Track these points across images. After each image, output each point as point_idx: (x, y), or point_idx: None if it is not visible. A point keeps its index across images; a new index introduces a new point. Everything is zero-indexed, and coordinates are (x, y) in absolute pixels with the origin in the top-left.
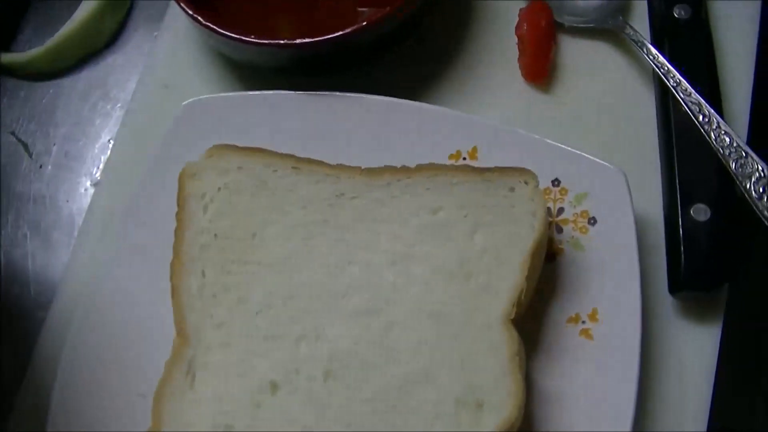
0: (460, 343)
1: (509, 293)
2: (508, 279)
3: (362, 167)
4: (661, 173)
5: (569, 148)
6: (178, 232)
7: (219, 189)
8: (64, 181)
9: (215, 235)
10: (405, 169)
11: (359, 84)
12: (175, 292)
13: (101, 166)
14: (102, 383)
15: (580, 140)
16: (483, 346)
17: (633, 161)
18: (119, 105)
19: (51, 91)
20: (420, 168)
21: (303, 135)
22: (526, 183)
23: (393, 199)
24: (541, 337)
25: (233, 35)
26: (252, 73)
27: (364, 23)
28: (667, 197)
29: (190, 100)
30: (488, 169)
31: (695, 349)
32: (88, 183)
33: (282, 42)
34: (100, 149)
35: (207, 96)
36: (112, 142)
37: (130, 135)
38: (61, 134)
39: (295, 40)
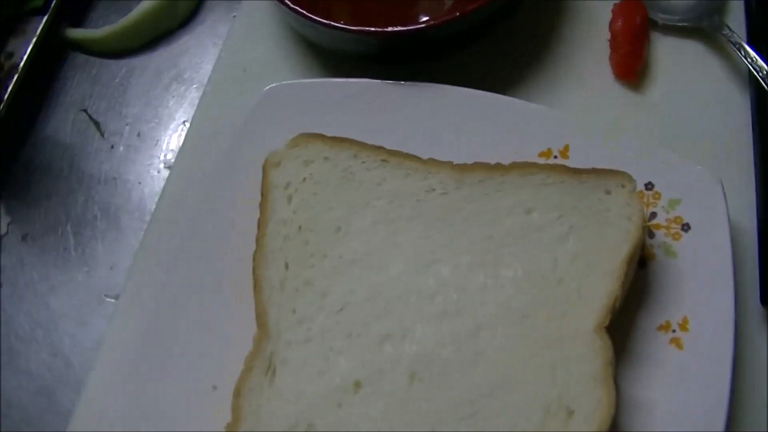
0: (551, 349)
1: (602, 300)
2: (601, 285)
3: (453, 162)
4: (756, 180)
5: (664, 151)
6: (261, 223)
7: (304, 179)
8: (136, 163)
9: (299, 227)
10: (498, 167)
11: (446, 75)
12: (256, 284)
13: (175, 149)
14: (174, 375)
15: (672, 142)
16: (575, 353)
17: (726, 166)
18: (194, 86)
19: (123, 70)
20: (514, 166)
21: (388, 126)
22: (623, 186)
23: (484, 197)
24: (630, 344)
25: (322, 20)
26: (335, 60)
27: (458, 13)
28: (761, 205)
29: (272, 84)
30: (584, 170)
31: None
32: (161, 166)
33: (373, 30)
34: (174, 131)
35: (290, 81)
36: (186, 124)
37: (206, 118)
38: (133, 114)
39: (384, 27)
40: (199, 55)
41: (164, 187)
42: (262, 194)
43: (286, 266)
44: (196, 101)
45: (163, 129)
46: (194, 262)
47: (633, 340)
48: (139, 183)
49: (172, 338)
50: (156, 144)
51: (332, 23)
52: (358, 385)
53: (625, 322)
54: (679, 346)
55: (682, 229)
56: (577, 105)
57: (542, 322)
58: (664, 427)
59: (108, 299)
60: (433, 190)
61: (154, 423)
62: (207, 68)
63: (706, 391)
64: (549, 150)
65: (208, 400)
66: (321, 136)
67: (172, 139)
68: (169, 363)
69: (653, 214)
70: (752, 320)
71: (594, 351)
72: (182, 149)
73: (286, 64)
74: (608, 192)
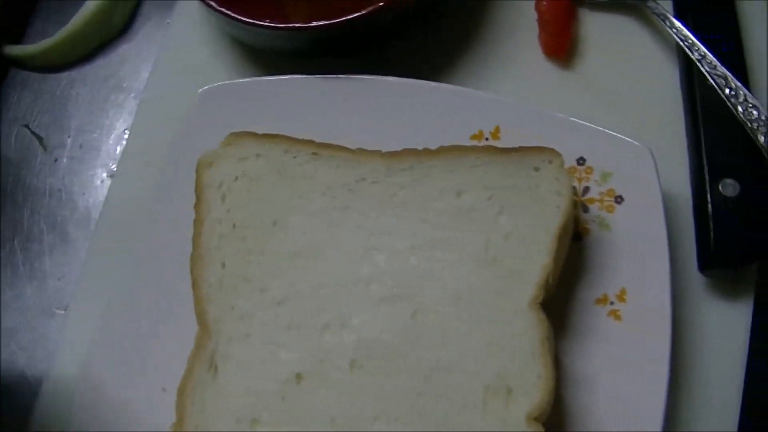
0: (488, 328)
1: (537, 276)
2: (535, 261)
3: (383, 151)
4: (688, 149)
5: (594, 126)
6: (197, 224)
7: (237, 178)
8: (80, 174)
9: (234, 225)
10: (426, 152)
11: (377, 66)
12: (195, 284)
13: (117, 158)
14: (125, 378)
15: (604, 117)
16: (511, 330)
17: (658, 137)
18: (133, 95)
19: (63, 82)
20: (442, 150)
21: (321, 119)
22: (550, 162)
23: (415, 182)
24: (569, 318)
25: (248, 20)
26: (268, 58)
27: (380, 3)
28: (694, 173)
29: (205, 87)
30: (511, 149)
31: (727, 327)
32: (105, 175)
33: (298, 25)
34: (116, 140)
35: (223, 82)
36: (127, 132)
37: (146, 125)
38: (75, 126)
39: (310, 23)
40: (137, 63)
41: (107, 195)
42: (196, 195)
43: (223, 265)
44: (136, 109)
45: (104, 139)
46: (139, 267)
47: (572, 314)
48: (84, 193)
49: (122, 343)
50: (98, 154)
51: (258, 22)
52: (300, 376)
53: (564, 297)
54: (618, 318)
55: (616, 201)
56: (508, 86)
57: (478, 301)
58: (608, 398)
59: (58, 311)
60: (364, 179)
61: (108, 427)
62: (145, 76)
63: (647, 362)
64: (480, 132)
65: (158, 401)
66: (252, 134)
67: (114, 148)
68: (120, 367)
69: (586, 189)
70: (692, 288)
71: (530, 327)
72: (123, 157)
73: (221, 66)
74: (536, 169)
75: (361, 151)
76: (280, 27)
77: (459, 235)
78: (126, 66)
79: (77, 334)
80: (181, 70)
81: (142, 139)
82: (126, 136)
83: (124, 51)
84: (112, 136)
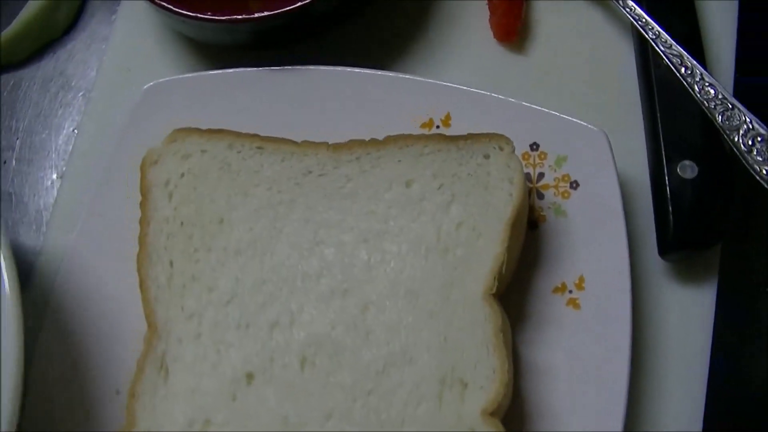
0: (440, 321)
1: (489, 266)
2: (488, 251)
3: (329, 143)
4: (645, 131)
5: (546, 110)
6: (143, 223)
7: (182, 175)
8: (30, 176)
9: (181, 222)
10: (374, 142)
11: (325, 56)
12: (143, 284)
13: (67, 158)
14: (75, 382)
15: (558, 101)
16: (464, 322)
17: (615, 120)
18: (81, 93)
19: (11, 83)
20: (389, 139)
21: (267, 112)
22: (500, 149)
23: (363, 173)
24: (527, 308)
25: (189, 13)
26: (214, 53)
27: None
28: (651, 156)
29: (150, 83)
30: (461, 137)
31: (690, 312)
32: (54, 176)
33: (239, 17)
34: (65, 140)
35: (167, 78)
36: (76, 132)
37: (94, 123)
38: (24, 127)
39: (253, 14)
40: (85, 61)
41: (57, 196)
42: (141, 193)
43: (171, 263)
44: (84, 108)
45: (53, 139)
46: (89, 268)
47: (530, 304)
48: (35, 195)
49: (73, 346)
50: (48, 155)
51: (199, 15)
52: (250, 376)
53: (521, 286)
54: (576, 306)
55: (571, 186)
56: (460, 73)
57: (430, 293)
58: (569, 388)
59: None
60: (311, 172)
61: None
62: (93, 74)
63: (608, 350)
64: (430, 120)
65: (111, 404)
66: (197, 130)
67: (64, 148)
68: (72, 370)
69: (541, 175)
70: (652, 273)
71: (483, 318)
72: (72, 157)
73: (168, 62)
74: (487, 156)
75: (307, 144)
76: (222, 20)
77: (409, 225)
78: (73, 64)
79: (26, 337)
80: (129, 67)
81: (91, 138)
82: (75, 136)
83: (71, 49)
84: (62, 136)
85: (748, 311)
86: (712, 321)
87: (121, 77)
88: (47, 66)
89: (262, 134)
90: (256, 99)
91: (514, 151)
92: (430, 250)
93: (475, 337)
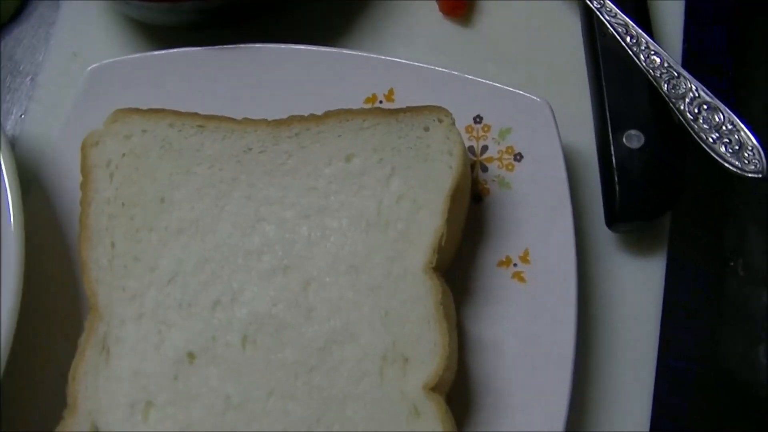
0: (382, 296)
1: (429, 239)
2: (429, 224)
3: (269, 119)
4: (591, 102)
5: (489, 82)
6: (84, 204)
7: (123, 155)
8: None
9: (122, 203)
10: (313, 117)
11: (270, 34)
12: (84, 266)
13: (15, 143)
14: (22, 368)
15: (505, 74)
16: (405, 297)
17: (561, 92)
18: (29, 78)
19: None
20: (329, 114)
21: (212, 91)
22: (440, 121)
23: (303, 149)
24: (472, 283)
25: None
26: (162, 34)
27: None
28: (598, 126)
29: (94, 65)
30: (400, 110)
31: (640, 283)
32: None
33: None
34: (13, 126)
35: (111, 60)
36: (23, 116)
37: (41, 107)
38: None
39: None
40: (33, 46)
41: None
42: (83, 175)
43: (113, 245)
44: (32, 92)
45: (1, 123)
46: (41, 254)
47: (474, 278)
48: None
49: (20, 330)
50: None
51: None
52: (192, 355)
53: (465, 260)
54: (522, 279)
55: (515, 159)
56: (406, 49)
57: (371, 268)
58: (515, 363)
59: None
60: (251, 149)
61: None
62: (40, 58)
63: (553, 323)
64: (374, 96)
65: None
66: (137, 110)
67: (11, 133)
68: (19, 356)
69: (485, 148)
70: (600, 244)
71: (424, 292)
72: (20, 142)
73: (116, 44)
74: (426, 129)
75: (248, 121)
76: (164, 0)
77: (350, 200)
78: (20, 49)
79: None
80: (76, 50)
81: (39, 123)
82: (22, 121)
83: (18, 34)
84: (9, 121)
85: (698, 278)
86: (662, 292)
87: (68, 61)
88: None
89: (207, 113)
90: (201, 78)
91: (453, 123)
92: (371, 225)
93: (417, 312)
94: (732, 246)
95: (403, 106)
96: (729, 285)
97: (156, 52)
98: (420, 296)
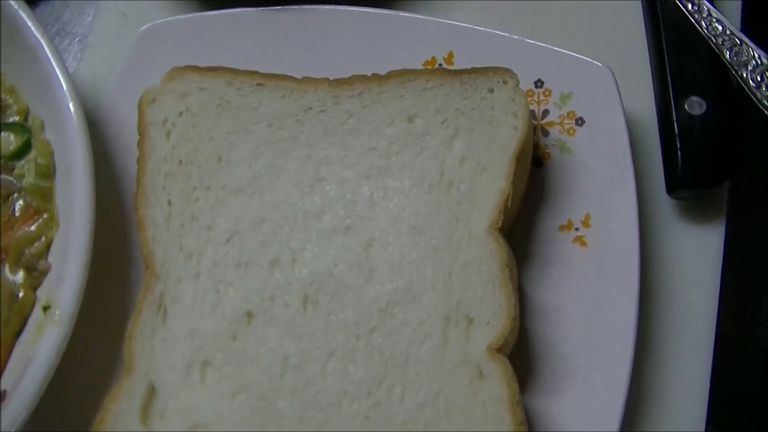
0: (445, 257)
1: (494, 200)
2: (492, 185)
3: (330, 78)
4: (651, 68)
5: (551, 47)
6: (140, 162)
7: (181, 113)
8: None
9: (180, 161)
10: (376, 77)
11: None
12: (140, 225)
13: None
14: (77, 327)
15: (563, 38)
16: (470, 258)
17: (620, 57)
18: (77, 39)
19: None
20: (392, 74)
21: (267, 52)
22: (505, 82)
23: (365, 109)
24: (532, 247)
25: None
26: None
27: None
28: (658, 93)
29: (147, 25)
30: (464, 71)
31: (698, 250)
32: None
33: None
34: None
35: (165, 20)
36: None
37: (90, 69)
38: None
39: None
40: (81, 7)
41: None
42: (139, 133)
43: (169, 203)
44: (80, 54)
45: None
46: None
47: (535, 242)
48: None
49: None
50: None
51: None
52: (250, 315)
53: (526, 225)
54: (583, 244)
55: (576, 123)
56: (463, 12)
57: (435, 229)
58: (577, 328)
59: None
60: (311, 108)
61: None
62: (89, 19)
63: (615, 289)
64: (433, 58)
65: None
66: (195, 68)
67: None
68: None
69: (545, 112)
70: (660, 212)
71: (489, 254)
72: None
73: (164, 6)
74: (491, 90)
75: (308, 80)
76: None
77: (412, 161)
78: (69, 10)
79: None
80: (126, 11)
81: (87, 85)
82: None
83: None
84: None
85: (757, 246)
86: (721, 261)
87: (118, 22)
88: (43, 12)
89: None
90: (255, 40)
91: (518, 84)
92: (434, 186)
93: (481, 273)
94: None
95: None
96: None
97: (209, 13)
98: (485, 257)
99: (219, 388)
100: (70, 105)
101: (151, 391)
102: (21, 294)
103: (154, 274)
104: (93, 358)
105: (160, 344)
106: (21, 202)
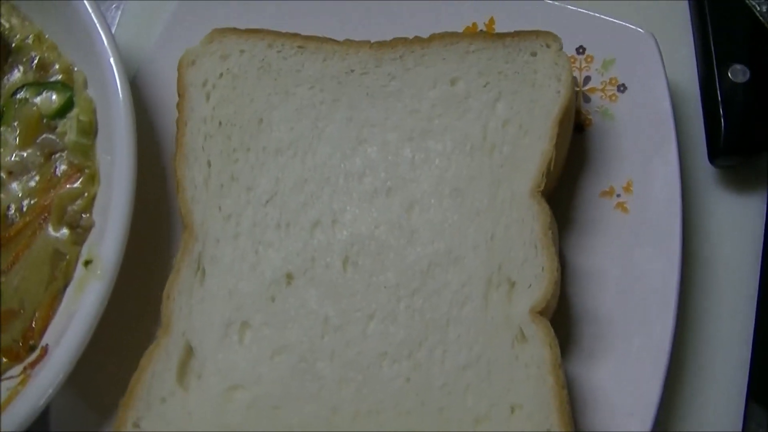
0: (487, 219)
1: (537, 163)
2: (535, 148)
3: (372, 41)
4: (693, 35)
5: (592, 13)
6: (180, 123)
7: (221, 75)
8: None
9: (219, 123)
10: (418, 40)
11: None
12: (179, 185)
13: None
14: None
15: (605, 5)
16: (512, 220)
17: (663, 24)
18: (114, 5)
19: None
20: (434, 37)
21: (308, 14)
22: (548, 46)
23: (407, 71)
24: (573, 212)
25: None
26: None
27: None
28: (701, 60)
29: None
30: (507, 34)
31: (740, 218)
32: None
33: None
34: None
35: None
36: None
37: (127, 35)
38: None
39: None
40: None
41: None
42: (179, 94)
43: (209, 164)
44: (116, 20)
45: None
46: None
47: (577, 209)
48: None
49: None
50: None
51: None
52: (290, 276)
53: (568, 191)
54: (625, 210)
55: (618, 90)
56: None
57: (476, 191)
58: (618, 294)
59: None
60: (353, 71)
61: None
62: None
63: (657, 254)
64: (474, 24)
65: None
66: (235, 30)
67: None
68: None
69: (587, 78)
70: (702, 179)
71: (531, 217)
72: None
73: None
74: (534, 54)
75: (350, 42)
76: None
77: (454, 123)
78: None
79: None
80: None
81: (127, 49)
82: None
83: None
84: None
85: None
86: (763, 227)
87: None
88: None
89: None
90: (296, 3)
91: (561, 48)
92: (476, 148)
93: (523, 235)
94: None
95: None
96: None
97: None
98: (527, 220)
99: (257, 349)
100: (111, 60)
101: (189, 351)
102: (64, 251)
103: (193, 234)
104: (131, 318)
105: (198, 304)
106: (63, 162)
